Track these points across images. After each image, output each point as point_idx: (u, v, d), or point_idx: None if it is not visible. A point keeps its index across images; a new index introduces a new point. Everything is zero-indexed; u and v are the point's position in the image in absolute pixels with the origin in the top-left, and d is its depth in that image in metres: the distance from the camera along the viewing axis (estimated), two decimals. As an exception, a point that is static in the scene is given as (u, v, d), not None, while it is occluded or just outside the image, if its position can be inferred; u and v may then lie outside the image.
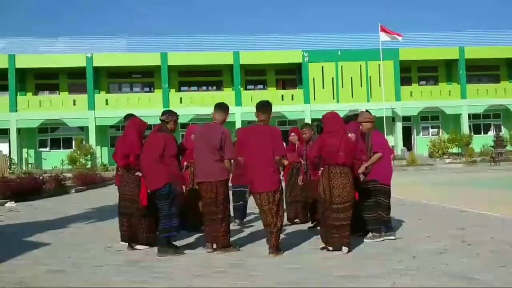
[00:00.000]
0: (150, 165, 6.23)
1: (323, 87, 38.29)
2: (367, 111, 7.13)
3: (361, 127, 6.64)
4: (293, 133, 8.58)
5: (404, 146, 38.17)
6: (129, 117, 7.09)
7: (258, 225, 7.67)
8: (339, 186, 5.94)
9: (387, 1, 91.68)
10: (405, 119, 39.20)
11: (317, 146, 6.14)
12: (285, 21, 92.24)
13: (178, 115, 6.78)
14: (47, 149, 38.01)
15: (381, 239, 6.53)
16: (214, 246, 6.22)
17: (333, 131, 6.05)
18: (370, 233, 6.60)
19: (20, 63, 36.39)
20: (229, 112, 6.72)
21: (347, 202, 5.95)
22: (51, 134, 38.68)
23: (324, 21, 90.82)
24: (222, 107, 6.49)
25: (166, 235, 6.19)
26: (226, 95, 37.83)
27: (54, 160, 34.62)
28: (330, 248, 6.00)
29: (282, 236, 6.39)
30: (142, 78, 40.47)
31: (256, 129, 6.17)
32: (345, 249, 5.93)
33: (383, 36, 34.02)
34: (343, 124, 6.18)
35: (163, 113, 6.63)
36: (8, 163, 29.97)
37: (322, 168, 6.08)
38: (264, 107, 6.19)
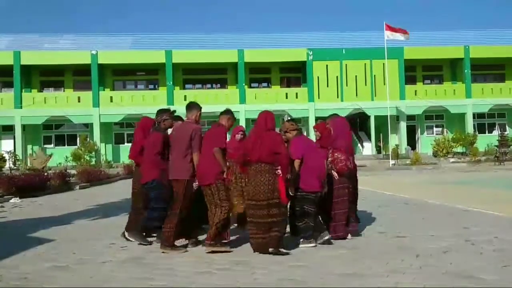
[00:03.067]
0: (143, 161, 6.77)
1: (327, 86, 38.25)
2: (288, 120, 7.01)
3: (283, 137, 6.47)
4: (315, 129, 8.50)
5: (408, 145, 38.14)
6: (160, 112, 7.10)
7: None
8: (252, 184, 5.93)
9: (392, 0, 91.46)
10: (410, 118, 39.13)
11: (242, 147, 6.24)
12: (289, 19, 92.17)
13: (172, 112, 6.99)
14: (52, 145, 38.13)
15: (312, 244, 6.26)
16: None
17: (254, 129, 6.16)
18: (301, 239, 6.40)
19: (25, 60, 36.52)
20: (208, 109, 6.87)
21: (261, 200, 5.84)
22: (55, 131, 38.80)
23: (329, 19, 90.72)
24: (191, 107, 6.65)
25: (143, 223, 6.65)
26: (230, 93, 37.88)
27: (59, 156, 34.71)
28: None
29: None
30: (147, 75, 40.54)
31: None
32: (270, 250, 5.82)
33: (389, 35, 33.90)
34: (267, 122, 6.05)
35: (156, 114, 6.98)
36: (14, 159, 30.12)
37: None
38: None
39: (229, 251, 6.03)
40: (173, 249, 6.17)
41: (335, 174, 6.76)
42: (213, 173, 6.00)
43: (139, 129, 7.15)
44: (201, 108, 6.70)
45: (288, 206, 6.52)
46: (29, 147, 37.58)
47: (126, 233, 6.94)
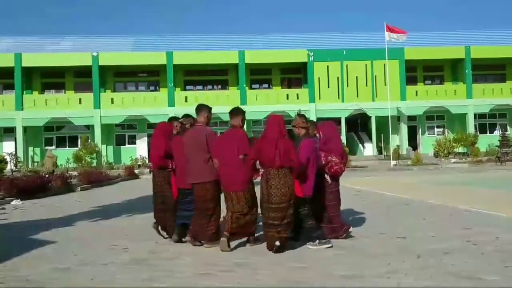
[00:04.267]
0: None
1: (328, 87, 38.25)
2: (302, 115, 6.98)
3: (296, 130, 6.61)
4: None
5: (409, 145, 38.13)
6: (187, 116, 7.33)
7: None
8: (273, 187, 6.02)
9: (393, 1, 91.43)
10: (411, 118, 39.13)
11: (254, 151, 6.22)
12: (290, 20, 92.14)
13: (179, 119, 7.27)
14: (53, 147, 38.13)
15: (329, 245, 6.23)
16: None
17: (267, 135, 6.14)
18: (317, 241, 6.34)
19: (26, 62, 36.57)
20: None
21: (283, 202, 5.99)
22: (57, 133, 38.85)
23: (330, 20, 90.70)
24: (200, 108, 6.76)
25: (178, 222, 6.82)
26: (231, 94, 37.90)
27: (60, 158, 34.72)
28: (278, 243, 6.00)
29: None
30: (148, 77, 40.58)
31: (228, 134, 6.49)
32: (277, 244, 5.93)
33: (389, 36, 33.84)
34: (280, 128, 6.12)
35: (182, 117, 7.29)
36: (15, 161, 30.17)
37: (262, 170, 6.19)
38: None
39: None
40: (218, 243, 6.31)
41: (328, 177, 6.76)
42: (242, 180, 6.15)
43: (160, 134, 7.19)
44: (210, 108, 6.79)
45: None
46: (30, 149, 37.62)
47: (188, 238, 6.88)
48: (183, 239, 6.72)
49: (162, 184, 7.08)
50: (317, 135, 7.02)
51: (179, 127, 7.14)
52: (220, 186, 6.42)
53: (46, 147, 37.87)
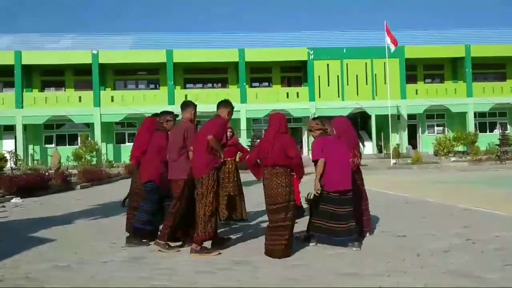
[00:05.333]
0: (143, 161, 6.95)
1: (328, 85, 38.23)
2: (314, 118, 6.96)
3: (312, 134, 6.65)
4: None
5: (409, 144, 38.11)
6: (164, 113, 7.19)
7: (261, 223, 7.68)
8: (269, 187, 5.84)
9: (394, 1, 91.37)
10: (411, 117, 39.10)
11: (255, 149, 6.23)
12: (290, 18, 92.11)
13: (175, 115, 7.09)
14: (53, 145, 38.13)
15: (357, 248, 6.06)
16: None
17: (266, 133, 6.13)
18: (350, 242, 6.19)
19: (26, 60, 36.54)
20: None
21: (278, 204, 5.77)
22: (57, 131, 38.82)
23: (330, 19, 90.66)
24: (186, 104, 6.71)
25: (134, 226, 6.66)
26: (231, 92, 37.84)
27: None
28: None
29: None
30: (148, 75, 40.54)
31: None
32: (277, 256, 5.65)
33: (386, 38, 33.51)
34: (278, 125, 5.98)
35: (159, 114, 7.14)
36: (15, 159, 30.16)
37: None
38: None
39: (216, 254, 5.90)
40: (168, 248, 6.17)
41: None
42: (206, 163, 5.92)
43: (144, 129, 7.13)
44: (195, 105, 6.70)
45: (309, 208, 6.58)
46: (30, 147, 37.60)
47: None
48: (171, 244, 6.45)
49: (137, 182, 6.98)
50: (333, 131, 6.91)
51: (171, 123, 6.98)
52: (193, 185, 6.18)
53: (46, 145, 37.91)
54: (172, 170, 6.38)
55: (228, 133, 7.73)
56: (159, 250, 6.13)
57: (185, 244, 6.37)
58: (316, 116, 7.36)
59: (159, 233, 6.44)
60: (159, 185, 6.58)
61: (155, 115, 7.38)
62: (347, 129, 6.97)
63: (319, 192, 6.19)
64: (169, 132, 6.77)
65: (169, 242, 6.26)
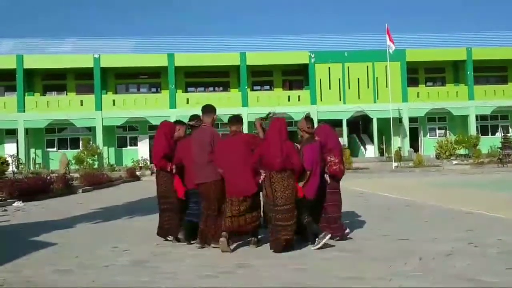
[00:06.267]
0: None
1: (329, 88, 38.25)
2: (310, 119, 6.97)
3: (300, 133, 6.75)
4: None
5: (411, 147, 38.08)
6: (195, 117, 7.24)
7: (263, 226, 7.66)
8: (278, 189, 6.12)
9: (395, 3, 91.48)
10: (412, 120, 39.10)
11: (256, 154, 6.27)
12: (291, 22, 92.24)
13: (185, 123, 7.26)
14: (55, 149, 38.22)
15: (328, 237, 6.28)
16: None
17: (269, 138, 6.20)
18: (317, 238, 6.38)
19: (28, 64, 36.64)
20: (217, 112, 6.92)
21: (288, 204, 6.10)
22: (58, 134, 38.90)
23: (331, 22, 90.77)
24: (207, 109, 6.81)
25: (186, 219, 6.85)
26: (232, 96, 37.92)
27: (61, 160, 34.76)
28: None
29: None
30: (149, 78, 40.61)
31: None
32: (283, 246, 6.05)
33: (387, 41, 33.50)
34: (282, 133, 6.17)
35: (190, 119, 7.22)
36: (17, 163, 30.19)
37: (263, 173, 6.21)
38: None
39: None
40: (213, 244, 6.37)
41: (327, 177, 6.76)
42: (255, 182, 6.27)
43: (162, 134, 7.15)
44: (216, 110, 6.85)
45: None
46: (32, 150, 37.65)
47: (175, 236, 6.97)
48: (192, 241, 6.70)
49: (165, 185, 7.06)
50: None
51: (182, 131, 7.15)
52: (224, 186, 6.42)
53: (48, 149, 37.98)
54: (201, 174, 6.49)
55: None
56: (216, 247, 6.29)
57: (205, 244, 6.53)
58: (309, 116, 7.36)
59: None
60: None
61: (179, 122, 7.44)
62: (330, 135, 6.99)
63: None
64: (191, 136, 6.88)
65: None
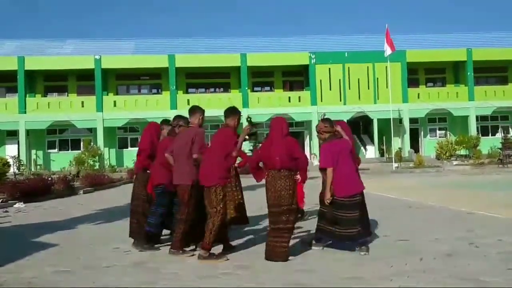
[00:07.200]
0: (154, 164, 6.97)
1: (330, 89, 38.25)
2: (326, 119, 6.71)
3: (320, 136, 6.49)
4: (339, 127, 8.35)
5: (411, 148, 38.06)
6: (177, 118, 7.14)
7: (264, 227, 7.68)
8: (272, 190, 5.84)
9: (395, 4, 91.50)
10: (412, 121, 39.08)
11: (257, 152, 6.19)
12: (291, 23, 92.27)
13: (187, 119, 6.96)
14: (56, 150, 38.24)
15: (365, 252, 6.05)
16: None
17: (269, 137, 6.06)
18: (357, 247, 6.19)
19: (29, 65, 36.64)
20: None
21: (283, 206, 5.76)
22: (59, 136, 38.91)
23: (332, 22, 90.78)
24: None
25: (148, 230, 6.63)
26: (233, 97, 37.91)
27: (62, 161, 34.80)
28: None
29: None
30: (150, 80, 40.62)
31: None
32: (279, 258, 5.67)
33: (384, 44, 33.31)
34: (283, 129, 5.97)
35: (173, 119, 7.11)
36: (18, 164, 30.19)
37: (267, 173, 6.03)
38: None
39: (223, 261, 5.87)
40: (182, 253, 6.19)
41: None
42: (217, 175, 5.96)
43: (148, 134, 7.11)
44: (203, 111, 6.68)
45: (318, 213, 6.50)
46: (33, 152, 37.67)
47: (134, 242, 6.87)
48: (186, 249, 6.41)
49: (141, 186, 6.92)
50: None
51: (166, 132, 7.01)
52: (201, 192, 6.15)
53: (49, 150, 37.99)
54: (178, 175, 6.31)
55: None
56: (173, 254, 6.15)
57: (197, 247, 6.37)
58: (325, 117, 7.19)
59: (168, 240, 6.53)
60: (170, 189, 6.54)
61: (165, 121, 7.36)
62: (347, 129, 6.94)
63: (329, 201, 6.12)
64: (176, 137, 6.73)
65: (185, 249, 6.29)
